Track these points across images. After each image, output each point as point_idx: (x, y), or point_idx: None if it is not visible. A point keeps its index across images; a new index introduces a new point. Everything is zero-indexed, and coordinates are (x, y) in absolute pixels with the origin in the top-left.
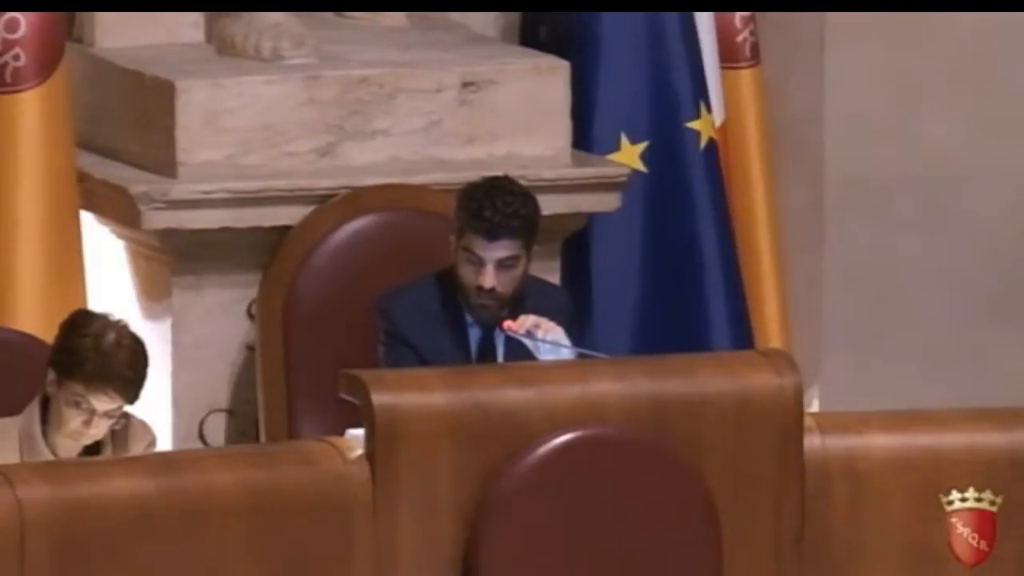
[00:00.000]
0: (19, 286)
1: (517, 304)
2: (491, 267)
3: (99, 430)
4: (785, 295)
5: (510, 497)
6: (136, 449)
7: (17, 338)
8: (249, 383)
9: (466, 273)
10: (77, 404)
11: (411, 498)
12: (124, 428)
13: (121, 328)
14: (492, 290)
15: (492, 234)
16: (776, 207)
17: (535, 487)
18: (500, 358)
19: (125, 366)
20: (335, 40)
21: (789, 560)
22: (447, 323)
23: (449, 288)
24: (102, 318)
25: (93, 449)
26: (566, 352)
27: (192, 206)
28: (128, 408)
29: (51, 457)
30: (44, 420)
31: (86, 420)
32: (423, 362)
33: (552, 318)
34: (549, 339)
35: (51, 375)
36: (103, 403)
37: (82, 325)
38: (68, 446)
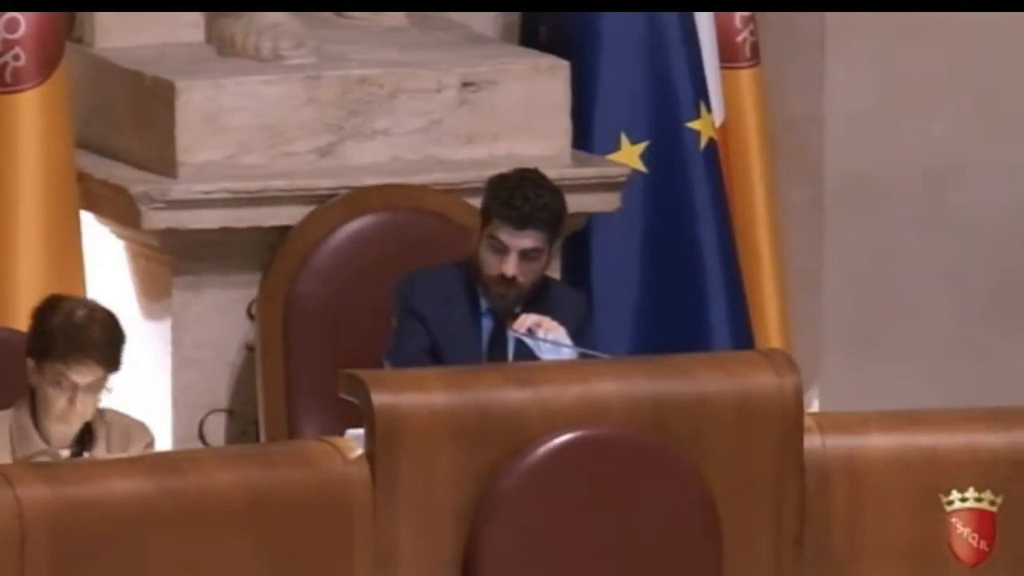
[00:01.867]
0: (19, 286)
1: (532, 302)
2: (515, 256)
3: (86, 407)
4: (785, 295)
5: (510, 497)
6: (134, 449)
7: (17, 338)
8: (249, 383)
9: (488, 260)
10: (59, 383)
11: (411, 498)
12: (125, 428)
13: (90, 304)
14: (513, 279)
15: (520, 223)
16: (776, 207)
17: (535, 487)
18: (510, 351)
19: (99, 334)
20: (335, 40)
21: (789, 560)
22: (462, 309)
23: (469, 277)
24: (71, 299)
25: (87, 437)
26: (567, 351)
27: (192, 206)
28: (112, 380)
29: (43, 446)
30: (34, 411)
31: (70, 398)
32: (433, 341)
33: (568, 320)
34: (550, 338)
35: (30, 363)
36: (84, 376)
37: (52, 308)
38: (60, 433)
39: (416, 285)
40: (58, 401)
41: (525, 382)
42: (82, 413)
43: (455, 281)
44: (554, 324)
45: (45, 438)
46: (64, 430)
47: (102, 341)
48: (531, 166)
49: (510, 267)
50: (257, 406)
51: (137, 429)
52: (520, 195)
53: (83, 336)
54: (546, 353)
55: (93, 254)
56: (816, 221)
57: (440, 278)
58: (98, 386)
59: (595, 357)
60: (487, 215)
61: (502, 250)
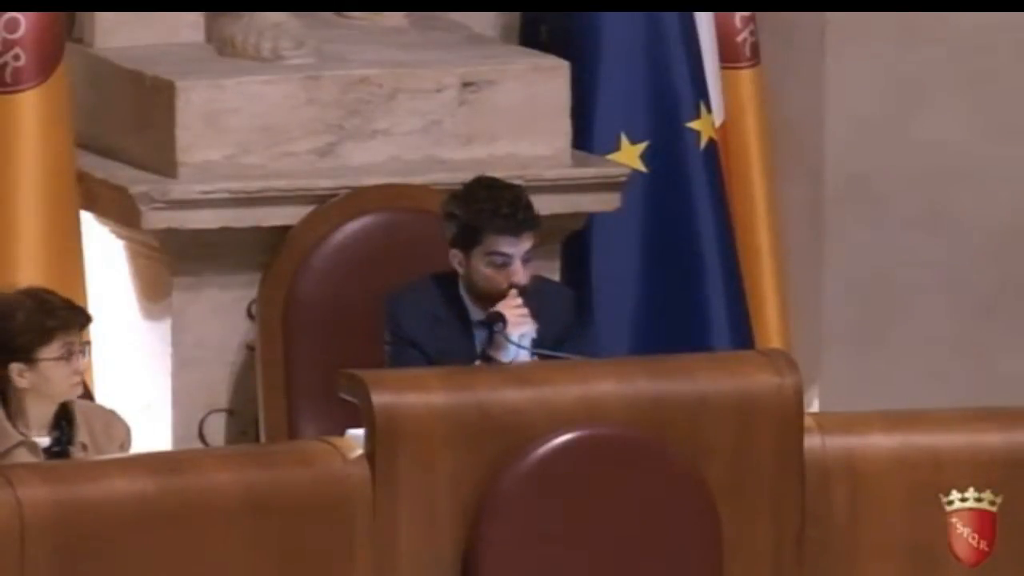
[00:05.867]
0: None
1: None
2: (519, 263)
3: (84, 364)
4: (785, 295)
5: (510, 497)
6: (116, 437)
7: None
8: (249, 383)
9: (491, 277)
10: (67, 351)
11: (411, 498)
12: (104, 416)
13: (21, 290)
14: (524, 286)
15: (517, 229)
16: (776, 207)
17: (535, 487)
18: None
19: (61, 300)
20: (335, 40)
21: (789, 560)
22: (453, 324)
23: (451, 290)
24: (4, 296)
25: (64, 423)
26: (524, 354)
27: (192, 206)
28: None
29: (20, 438)
30: (7, 409)
31: (76, 368)
32: (428, 362)
33: (557, 318)
34: (514, 338)
35: (15, 367)
36: (83, 334)
37: (5, 312)
38: (41, 417)
39: (403, 309)
40: (69, 372)
41: (525, 382)
42: (84, 369)
43: (440, 297)
44: (522, 316)
45: (24, 433)
46: (46, 415)
47: (67, 303)
48: (530, 167)
49: (520, 276)
50: (257, 406)
51: (115, 417)
52: (505, 204)
53: (55, 306)
54: (511, 353)
55: (93, 254)
56: (816, 221)
57: (424, 296)
58: (86, 343)
59: (559, 359)
60: (471, 234)
61: (507, 261)
